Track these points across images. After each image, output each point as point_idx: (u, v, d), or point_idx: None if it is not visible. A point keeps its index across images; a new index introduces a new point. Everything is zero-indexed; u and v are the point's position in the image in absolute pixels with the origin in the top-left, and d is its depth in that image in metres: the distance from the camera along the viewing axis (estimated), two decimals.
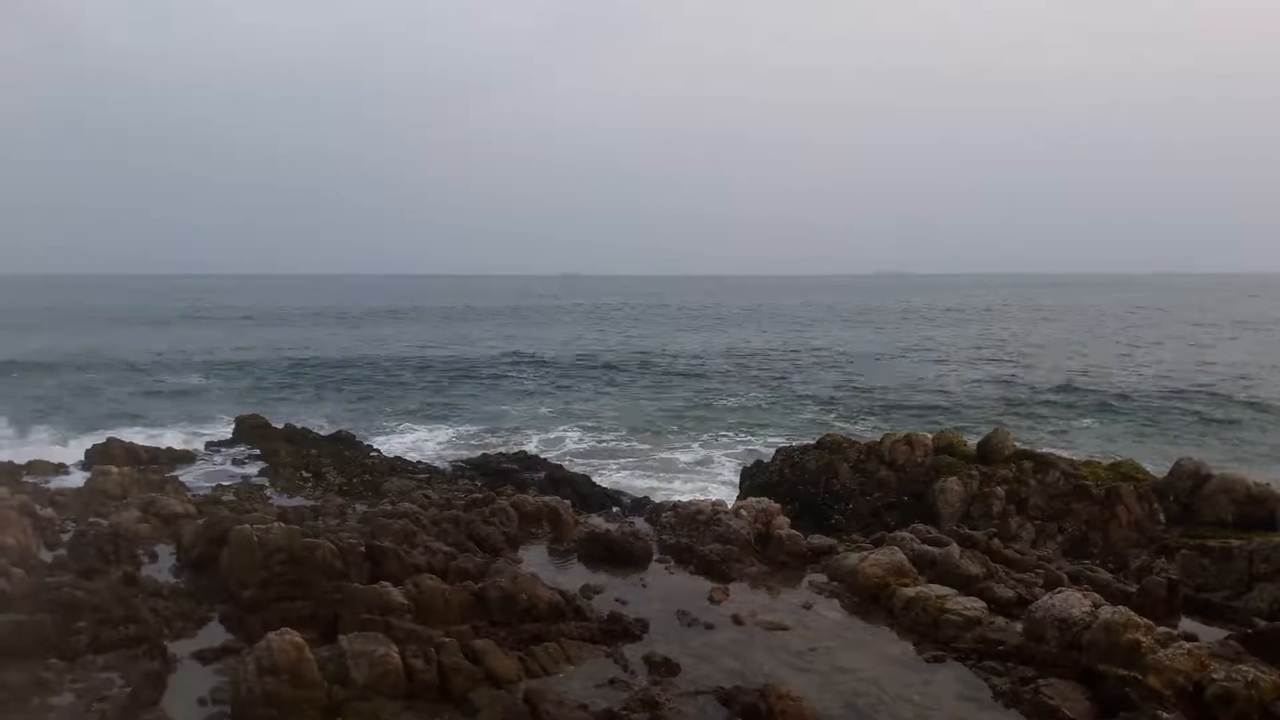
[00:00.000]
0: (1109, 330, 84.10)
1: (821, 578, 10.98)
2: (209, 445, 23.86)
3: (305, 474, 19.63)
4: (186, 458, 21.68)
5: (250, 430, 24.51)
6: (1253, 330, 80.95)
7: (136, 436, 25.24)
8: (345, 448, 23.16)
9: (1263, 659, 8.10)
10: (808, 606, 10.01)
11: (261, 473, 19.98)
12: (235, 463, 21.38)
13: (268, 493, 17.46)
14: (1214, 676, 7.47)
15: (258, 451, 22.30)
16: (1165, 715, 7.15)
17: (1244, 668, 7.60)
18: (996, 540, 12.01)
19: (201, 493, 16.36)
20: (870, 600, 10.11)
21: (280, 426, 25.29)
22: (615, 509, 18.14)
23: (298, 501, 15.78)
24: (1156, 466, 17.57)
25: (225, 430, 26.22)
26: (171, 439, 25.87)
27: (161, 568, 10.73)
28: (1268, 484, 14.77)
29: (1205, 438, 32.29)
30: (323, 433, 25.93)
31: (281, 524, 10.43)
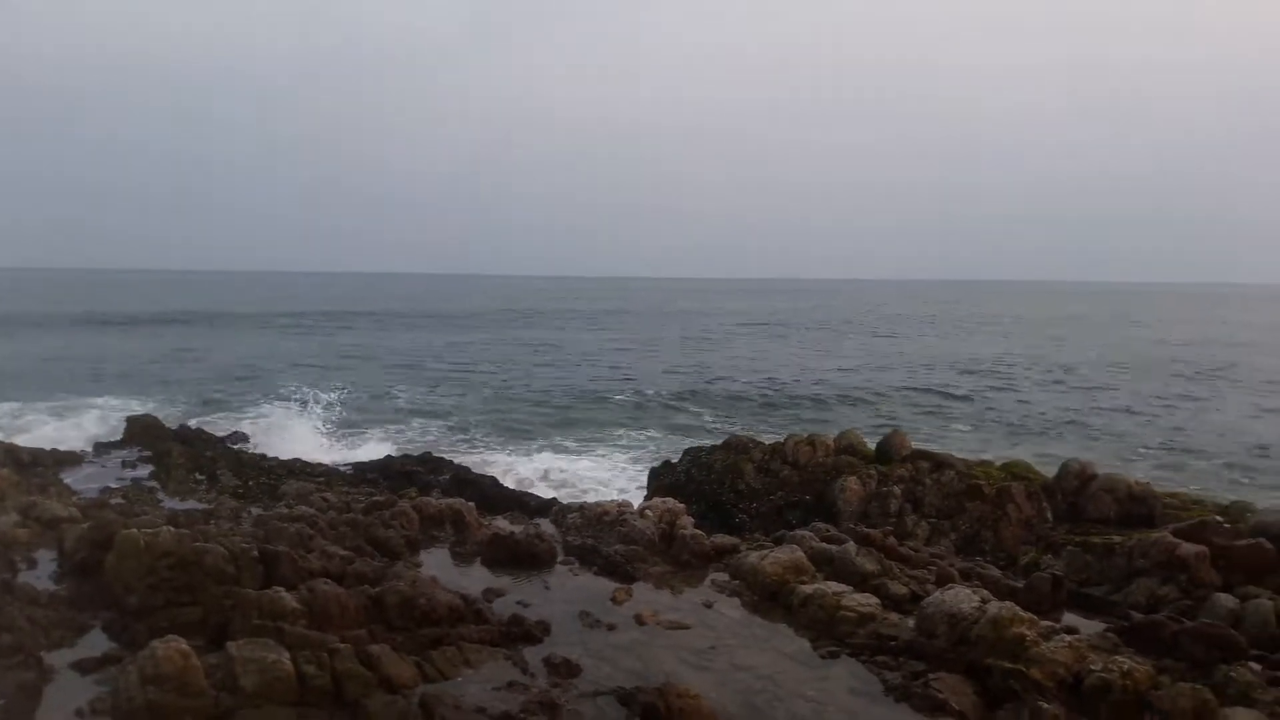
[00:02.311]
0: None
1: (724, 576, 11.11)
2: (97, 446, 22.86)
3: (199, 476, 18.98)
4: (72, 459, 20.70)
5: (142, 431, 23.55)
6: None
7: (18, 438, 24.03)
8: (242, 450, 22.50)
9: (1138, 650, 8.48)
10: (709, 605, 10.11)
11: (152, 475, 19.23)
12: (125, 465, 20.52)
13: (159, 496, 16.84)
14: (1092, 668, 7.79)
15: (149, 453, 21.47)
16: (1046, 705, 7.44)
17: (1120, 659, 7.94)
18: (892, 538, 12.30)
19: (88, 496, 15.69)
20: (769, 598, 10.26)
21: (174, 427, 24.44)
22: (522, 511, 17.99)
23: (190, 505, 15.23)
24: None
25: (115, 431, 25.17)
26: (56, 439, 24.71)
27: (41, 574, 10.21)
28: (1148, 483, 15.46)
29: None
30: (219, 434, 25.13)
31: (171, 527, 10.06)
